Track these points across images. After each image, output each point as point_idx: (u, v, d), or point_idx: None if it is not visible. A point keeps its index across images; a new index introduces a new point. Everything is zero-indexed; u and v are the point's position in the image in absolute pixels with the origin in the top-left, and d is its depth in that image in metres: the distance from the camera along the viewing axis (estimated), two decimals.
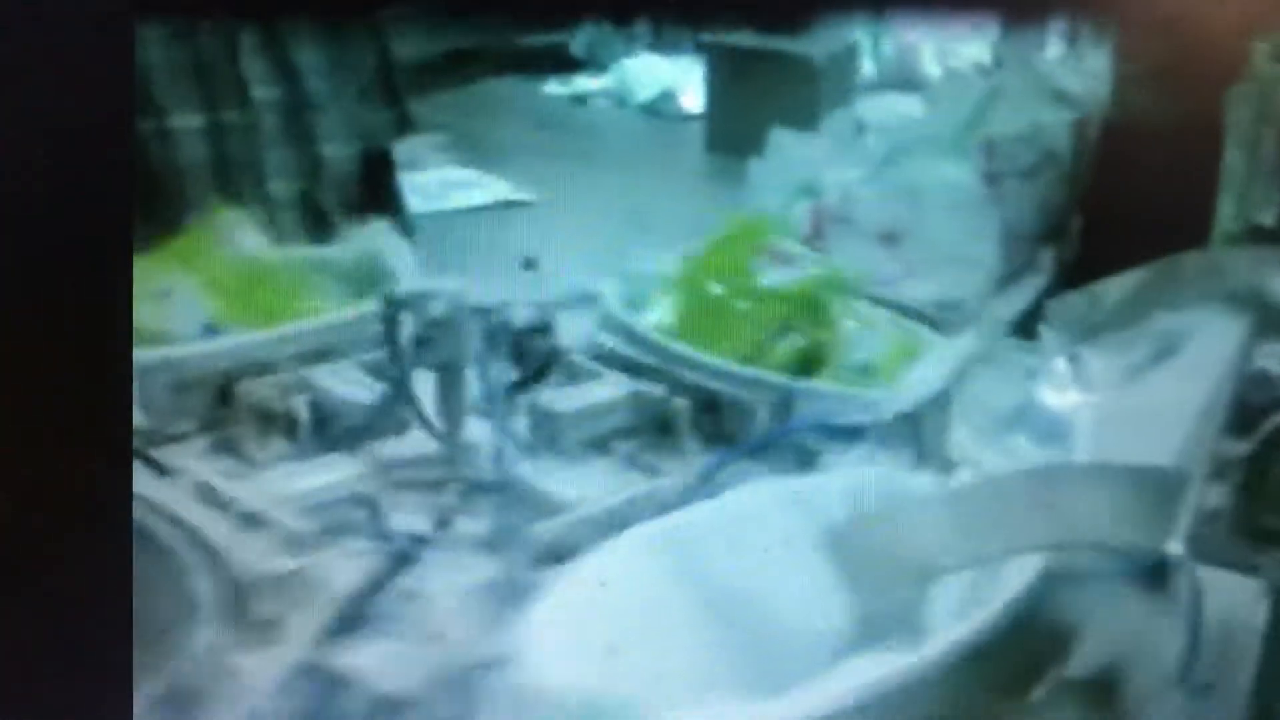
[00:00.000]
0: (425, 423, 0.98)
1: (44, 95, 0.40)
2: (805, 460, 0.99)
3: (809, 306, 1.18)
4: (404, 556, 0.81)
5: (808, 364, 1.13)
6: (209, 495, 0.85)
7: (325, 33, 1.71)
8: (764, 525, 0.82)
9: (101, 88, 0.42)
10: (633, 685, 0.67)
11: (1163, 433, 0.77)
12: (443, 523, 0.91)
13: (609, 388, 1.06)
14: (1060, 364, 0.86)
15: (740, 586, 0.78)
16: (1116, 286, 1.07)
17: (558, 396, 1.02)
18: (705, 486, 0.93)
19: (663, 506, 0.89)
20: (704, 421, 1.05)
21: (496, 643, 0.74)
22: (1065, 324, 0.94)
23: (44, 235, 0.41)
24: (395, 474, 0.95)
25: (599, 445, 1.02)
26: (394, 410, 0.99)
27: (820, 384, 1.12)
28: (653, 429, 1.05)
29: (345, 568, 0.83)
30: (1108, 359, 0.89)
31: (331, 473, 0.94)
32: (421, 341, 0.93)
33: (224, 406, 0.99)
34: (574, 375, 1.05)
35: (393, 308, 1.06)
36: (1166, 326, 0.92)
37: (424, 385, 1.01)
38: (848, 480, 0.88)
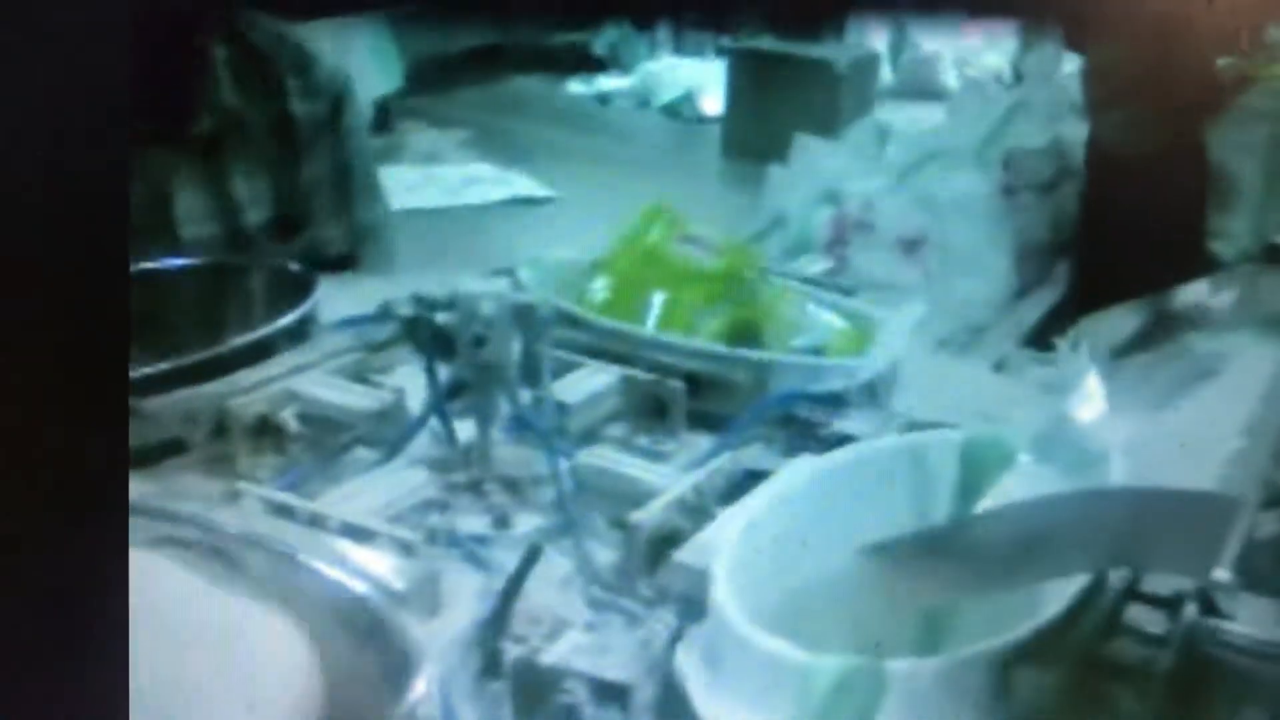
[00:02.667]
0: (446, 424, 0.98)
1: (40, 88, 0.41)
2: (797, 429, 1.01)
3: (732, 285, 1.21)
4: (530, 555, 0.80)
5: (739, 341, 1.16)
6: (284, 512, 0.85)
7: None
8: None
9: (98, 77, 0.42)
10: (818, 640, 0.69)
11: (1204, 458, 0.76)
12: (501, 521, 0.91)
13: (599, 375, 1.06)
14: (1091, 384, 0.86)
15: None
16: (1147, 307, 1.09)
17: (561, 387, 1.02)
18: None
19: (730, 481, 0.91)
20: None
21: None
22: (1097, 342, 0.94)
23: (39, 220, 0.42)
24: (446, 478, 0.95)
25: (590, 433, 1.03)
26: (433, 415, 0.98)
27: (794, 357, 1.15)
28: (644, 413, 1.06)
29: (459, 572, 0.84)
30: (1140, 381, 0.90)
31: (403, 481, 0.93)
32: (478, 342, 0.93)
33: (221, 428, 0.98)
34: (558, 367, 1.06)
35: (425, 306, 1.07)
36: (1201, 349, 0.92)
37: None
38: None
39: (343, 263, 1.57)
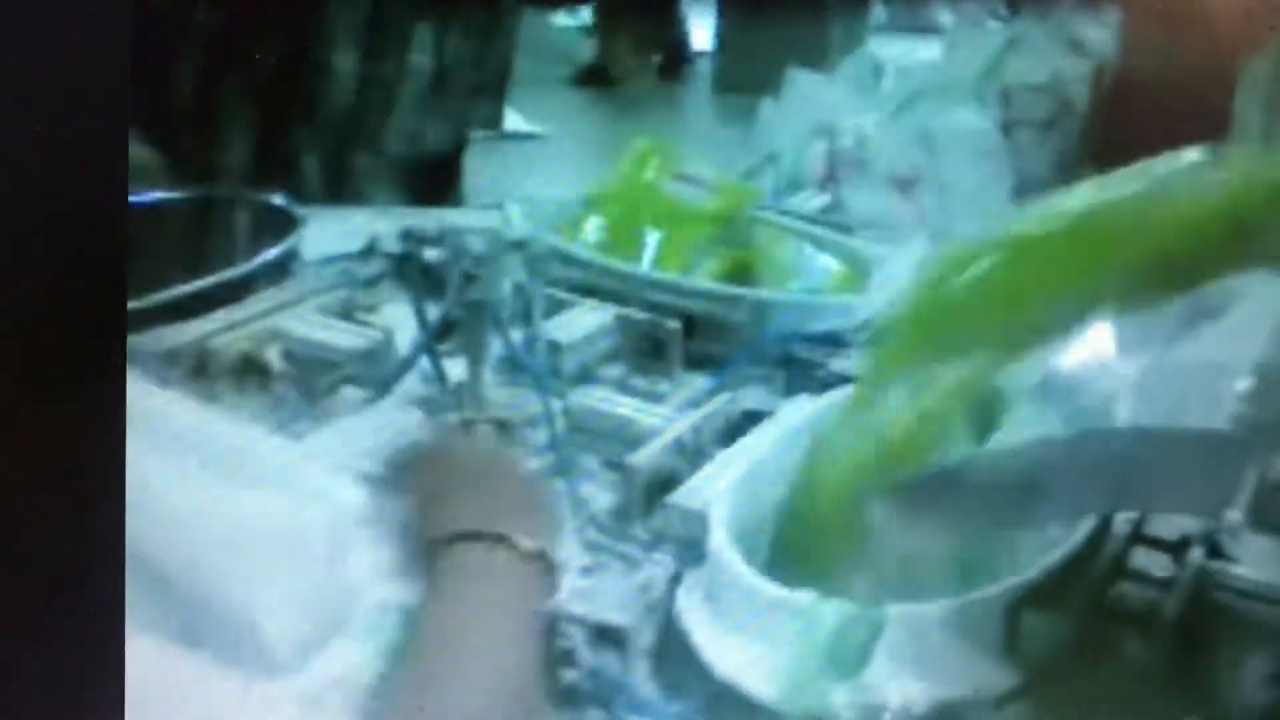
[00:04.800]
0: (436, 364, 0.97)
1: (39, 83, 0.40)
2: (795, 369, 1.00)
3: (729, 225, 1.20)
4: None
5: (735, 283, 1.14)
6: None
7: (475, 20, 1.75)
8: None
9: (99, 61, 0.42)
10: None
11: (1213, 397, 0.76)
12: None
13: (593, 314, 1.04)
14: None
15: None
16: None
17: (555, 326, 1.01)
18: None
19: (728, 422, 0.89)
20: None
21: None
22: None
23: (37, 203, 0.42)
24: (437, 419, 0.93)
25: (584, 374, 1.02)
26: (423, 354, 0.96)
27: (791, 294, 1.13)
28: (641, 353, 1.04)
29: None
30: (1146, 319, 0.88)
31: (392, 422, 0.92)
32: (467, 280, 0.92)
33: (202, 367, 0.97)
34: (551, 306, 1.04)
35: (414, 242, 1.04)
36: (1209, 287, 0.91)
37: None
38: None
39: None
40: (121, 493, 0.45)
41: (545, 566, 0.71)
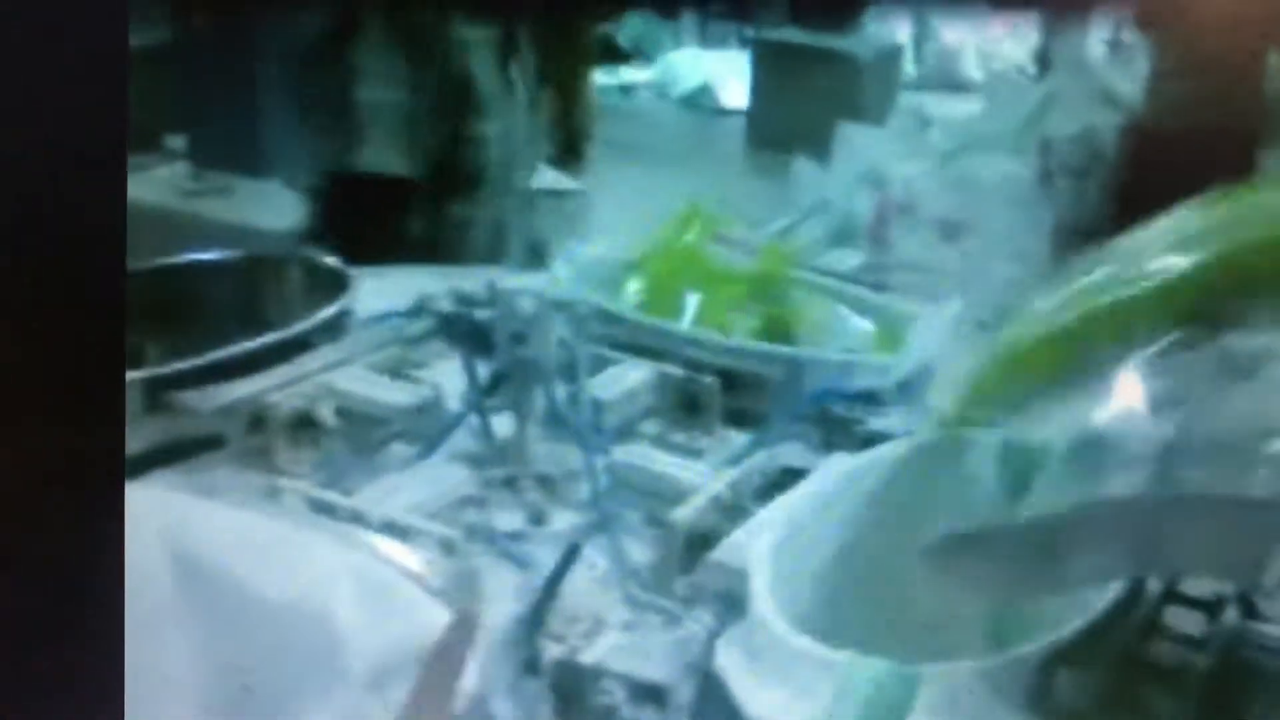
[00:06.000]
0: (484, 420, 0.98)
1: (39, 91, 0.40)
2: (832, 427, 1.01)
3: (766, 285, 1.23)
4: (569, 554, 0.79)
5: (773, 340, 1.17)
6: (325, 509, 0.85)
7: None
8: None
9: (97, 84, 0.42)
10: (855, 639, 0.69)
11: (1245, 461, 0.76)
12: (537, 519, 0.91)
13: (634, 371, 1.06)
14: (1126, 383, 0.86)
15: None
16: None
17: (597, 383, 1.02)
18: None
19: (767, 479, 0.91)
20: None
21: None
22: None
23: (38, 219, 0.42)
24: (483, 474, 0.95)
25: (625, 429, 1.03)
26: (472, 411, 0.98)
27: (828, 353, 1.15)
28: (680, 409, 1.06)
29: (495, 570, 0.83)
30: (1176, 380, 0.88)
31: (441, 478, 0.93)
32: (516, 339, 0.93)
33: (258, 423, 0.98)
34: (593, 363, 1.06)
35: (465, 303, 1.07)
36: (1238, 347, 0.91)
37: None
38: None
39: None
40: (120, 498, 0.45)
41: None
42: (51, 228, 0.41)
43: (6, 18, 0.39)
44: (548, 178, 1.99)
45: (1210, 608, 0.75)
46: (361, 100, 1.62)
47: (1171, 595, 0.75)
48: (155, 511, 0.70)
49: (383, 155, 1.63)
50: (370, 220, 1.65)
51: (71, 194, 0.42)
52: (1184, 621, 0.75)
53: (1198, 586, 0.75)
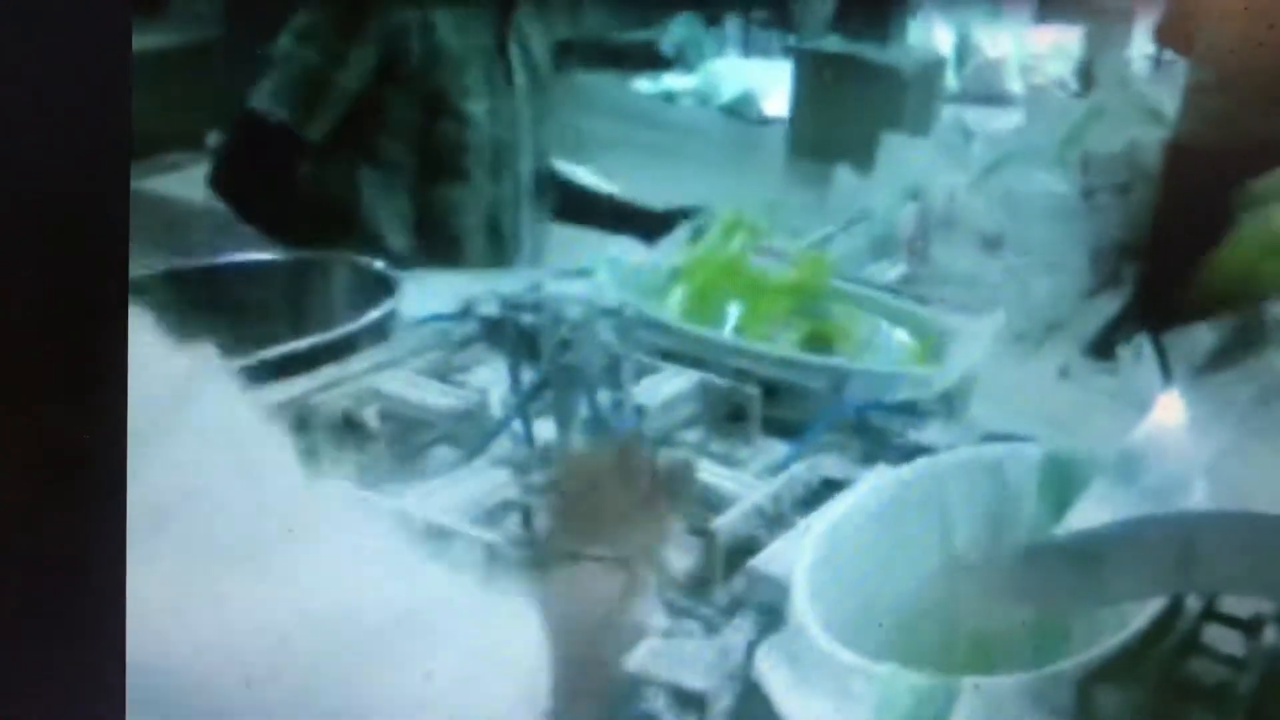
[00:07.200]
0: (527, 425, 0.98)
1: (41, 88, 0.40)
2: (872, 438, 1.02)
3: (807, 296, 1.23)
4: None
5: (813, 351, 1.17)
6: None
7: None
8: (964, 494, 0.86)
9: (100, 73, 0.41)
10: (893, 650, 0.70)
11: None
12: None
13: (676, 379, 1.07)
14: (1171, 401, 0.86)
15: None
16: (1228, 324, 1.07)
17: (639, 390, 1.02)
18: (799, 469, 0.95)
19: (808, 489, 0.92)
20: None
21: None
22: (1178, 357, 0.93)
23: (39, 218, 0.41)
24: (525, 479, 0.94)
25: (666, 437, 1.04)
26: (517, 416, 0.98)
27: (870, 364, 1.15)
28: (721, 418, 1.06)
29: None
30: (1221, 399, 0.88)
31: (484, 481, 0.93)
32: (562, 345, 0.93)
33: (304, 423, 0.99)
34: (638, 370, 1.06)
35: (511, 308, 1.07)
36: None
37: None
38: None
39: None
40: (123, 489, 0.45)
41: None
42: (53, 221, 0.41)
43: (7, 18, 0.38)
44: (582, 176, 1.97)
45: (1250, 626, 0.74)
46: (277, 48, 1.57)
47: (1211, 613, 0.75)
48: None
49: (268, 96, 1.55)
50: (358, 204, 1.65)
51: (74, 188, 0.42)
52: (1222, 640, 0.75)
53: (1237, 604, 0.75)
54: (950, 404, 1.08)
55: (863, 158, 1.99)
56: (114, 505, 0.44)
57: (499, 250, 1.71)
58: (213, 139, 3.85)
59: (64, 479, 0.42)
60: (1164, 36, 2.65)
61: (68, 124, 0.41)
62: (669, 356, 1.10)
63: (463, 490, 0.92)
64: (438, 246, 1.64)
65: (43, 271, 0.41)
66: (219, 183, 1.63)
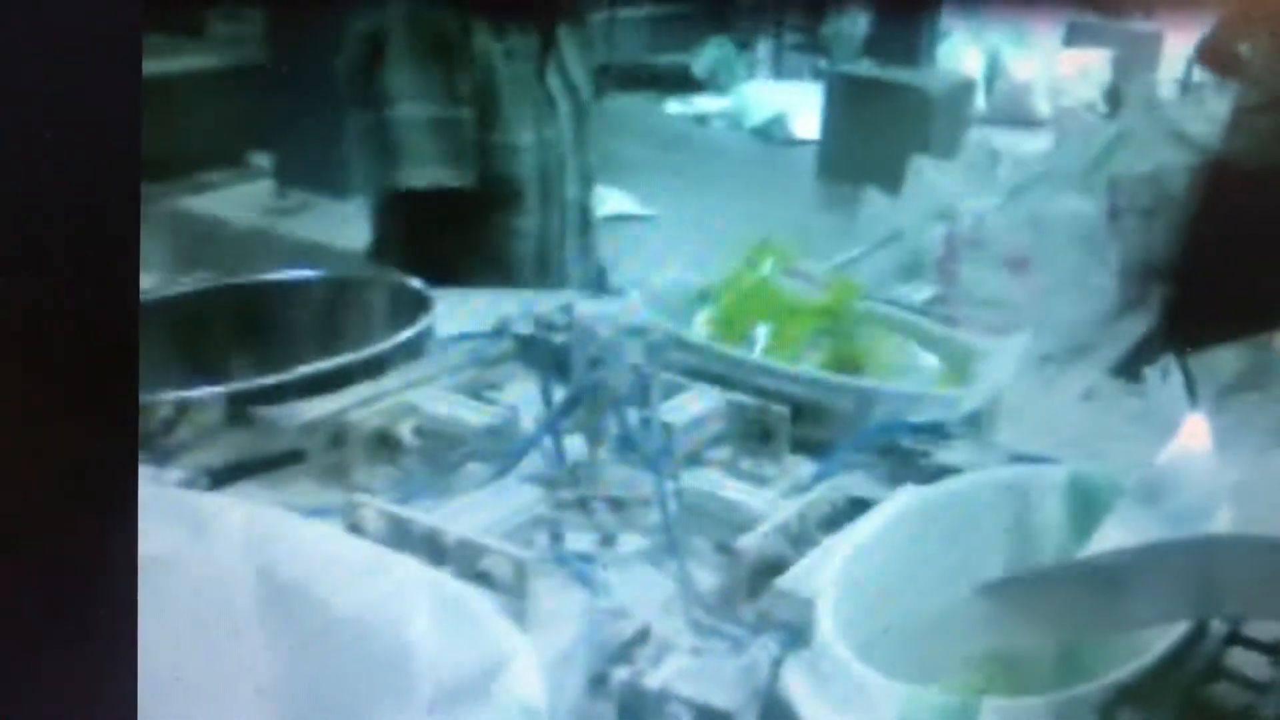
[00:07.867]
0: (557, 443, 0.99)
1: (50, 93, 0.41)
2: (899, 458, 1.02)
3: (835, 318, 1.24)
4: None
5: (840, 372, 1.18)
6: (402, 526, 0.86)
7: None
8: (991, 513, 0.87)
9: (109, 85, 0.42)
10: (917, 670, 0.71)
11: None
12: (608, 540, 0.93)
13: (704, 398, 1.07)
14: (1196, 424, 0.86)
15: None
16: (1253, 346, 1.08)
17: (667, 409, 1.03)
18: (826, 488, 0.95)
19: (834, 509, 0.92)
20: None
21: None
22: (1203, 380, 0.93)
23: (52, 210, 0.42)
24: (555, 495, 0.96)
25: (694, 455, 1.04)
26: (548, 433, 0.99)
27: (897, 385, 1.15)
28: (749, 437, 1.07)
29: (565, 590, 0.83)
30: (1245, 423, 0.89)
31: (514, 497, 0.94)
32: (592, 363, 0.94)
33: (339, 439, 1.00)
34: (666, 389, 1.07)
35: (544, 327, 1.09)
36: None
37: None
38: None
39: None
40: (133, 502, 0.46)
41: None
42: (66, 233, 0.42)
43: (20, 29, 0.40)
44: (616, 201, 2.00)
45: (1275, 651, 0.75)
46: (394, 118, 1.63)
47: (1235, 637, 0.76)
48: (242, 524, 0.72)
49: (416, 171, 1.63)
50: (416, 234, 1.68)
51: (86, 201, 0.43)
52: (1248, 664, 0.75)
53: (1262, 629, 0.76)
54: (977, 425, 1.08)
55: (892, 180, 2.00)
56: (125, 515, 0.45)
57: (546, 276, 1.74)
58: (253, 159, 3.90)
59: (76, 489, 0.43)
60: (1208, 58, 2.64)
61: (79, 143, 0.42)
62: (698, 376, 1.11)
63: (494, 506, 0.93)
64: (489, 274, 1.67)
65: (54, 286, 0.42)
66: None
